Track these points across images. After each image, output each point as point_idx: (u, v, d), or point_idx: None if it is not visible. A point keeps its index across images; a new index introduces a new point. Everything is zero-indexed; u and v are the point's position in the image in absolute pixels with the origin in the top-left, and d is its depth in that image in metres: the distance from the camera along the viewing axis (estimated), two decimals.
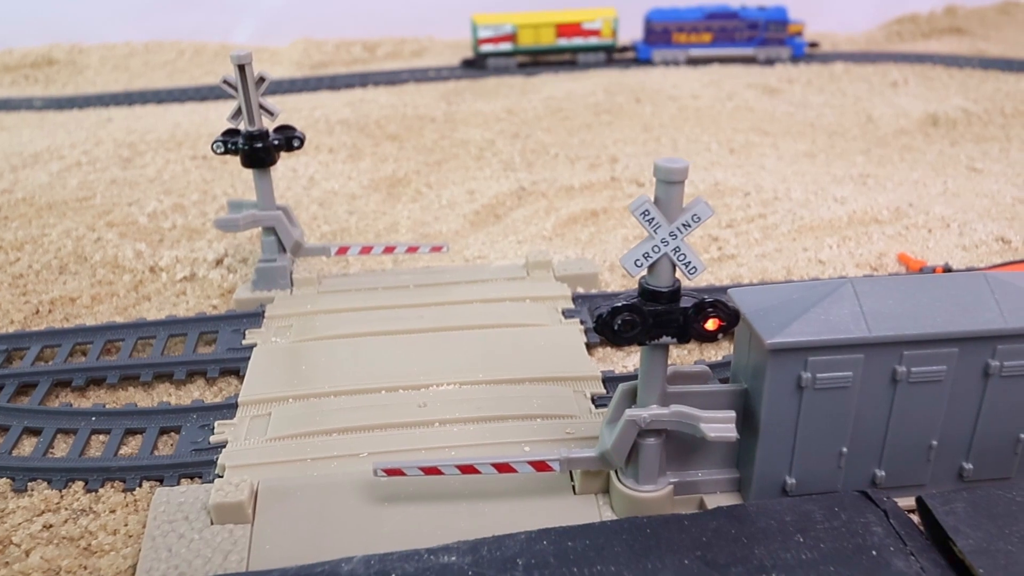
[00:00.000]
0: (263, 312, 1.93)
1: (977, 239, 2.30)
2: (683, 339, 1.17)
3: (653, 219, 1.10)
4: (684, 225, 1.11)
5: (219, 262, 2.24)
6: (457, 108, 3.71)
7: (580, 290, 2.04)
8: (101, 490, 1.44)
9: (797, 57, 4.49)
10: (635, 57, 4.54)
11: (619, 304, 1.15)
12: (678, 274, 1.15)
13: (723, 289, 1.97)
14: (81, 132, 3.44)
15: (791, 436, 1.25)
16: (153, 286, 2.16)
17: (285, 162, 3.03)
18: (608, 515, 1.30)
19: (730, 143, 3.22)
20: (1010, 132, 3.33)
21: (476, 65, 4.41)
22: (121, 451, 1.54)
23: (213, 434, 1.53)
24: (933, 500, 1.23)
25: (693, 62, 4.47)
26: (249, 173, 1.98)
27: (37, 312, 2.05)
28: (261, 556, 1.24)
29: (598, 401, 1.59)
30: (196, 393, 1.74)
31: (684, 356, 1.83)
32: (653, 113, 3.60)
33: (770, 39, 4.44)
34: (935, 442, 1.28)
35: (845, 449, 1.27)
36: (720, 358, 1.78)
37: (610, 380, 1.66)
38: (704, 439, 1.21)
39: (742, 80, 4.11)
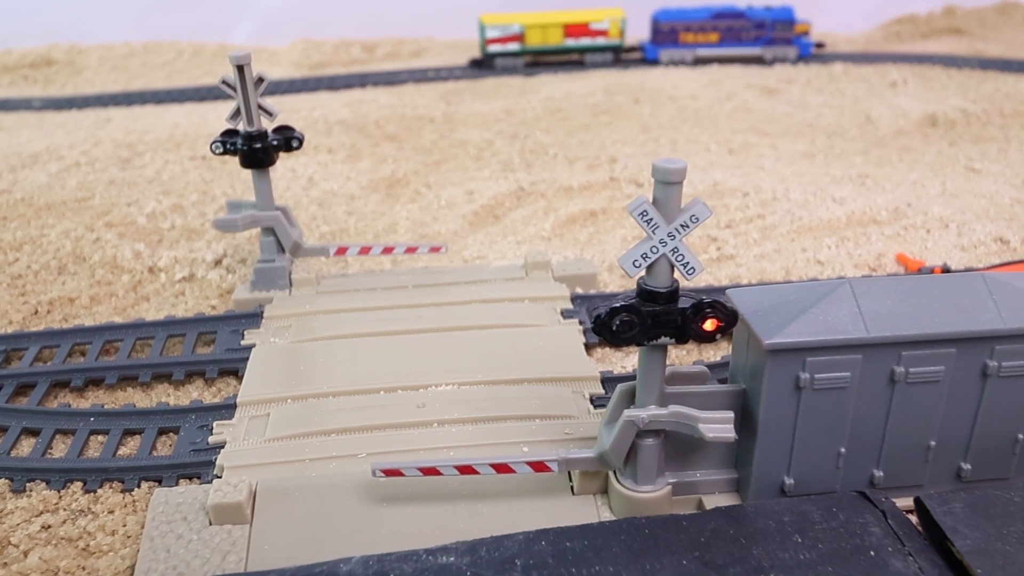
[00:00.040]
0: (262, 312, 1.93)
1: (975, 239, 2.30)
2: (681, 340, 1.17)
3: (651, 220, 1.10)
4: (682, 226, 1.11)
5: (218, 262, 2.24)
6: (456, 109, 3.71)
7: (579, 290, 2.04)
8: (100, 491, 1.44)
9: (804, 57, 4.50)
10: (642, 57, 4.54)
11: (617, 305, 1.15)
12: (676, 275, 1.16)
13: (722, 289, 1.97)
14: (80, 132, 3.44)
15: (789, 437, 1.25)
16: (152, 286, 2.16)
17: (284, 162, 3.03)
18: (606, 515, 1.30)
19: (729, 143, 3.22)
20: (1009, 132, 3.33)
21: (484, 65, 4.42)
22: (120, 452, 1.54)
23: (212, 435, 1.53)
24: (931, 500, 1.23)
25: (700, 62, 4.47)
26: (248, 173, 1.98)
27: (36, 312, 2.05)
28: (259, 557, 1.24)
29: (597, 401, 1.59)
30: (195, 393, 1.74)
31: (683, 356, 1.83)
32: (652, 113, 3.60)
33: (777, 39, 4.45)
34: (933, 442, 1.28)
35: (843, 449, 1.27)
36: (719, 359, 1.78)
37: (609, 380, 1.66)
38: (702, 439, 1.21)
39: (741, 80, 4.12)
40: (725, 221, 2.50)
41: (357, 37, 5.03)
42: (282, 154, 2.00)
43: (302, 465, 1.42)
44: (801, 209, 2.53)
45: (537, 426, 1.51)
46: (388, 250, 2.09)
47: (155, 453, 1.53)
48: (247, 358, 1.75)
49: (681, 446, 1.30)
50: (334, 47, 4.92)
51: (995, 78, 4.08)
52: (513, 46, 4.39)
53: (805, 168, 2.97)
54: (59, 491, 1.44)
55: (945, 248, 2.27)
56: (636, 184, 2.79)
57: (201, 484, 1.42)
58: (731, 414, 1.21)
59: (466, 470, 1.31)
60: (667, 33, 4.45)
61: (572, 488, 1.36)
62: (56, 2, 4.82)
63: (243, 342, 1.82)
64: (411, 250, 2.09)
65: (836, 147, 3.22)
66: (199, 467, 1.47)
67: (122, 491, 1.43)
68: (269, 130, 1.94)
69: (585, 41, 4.46)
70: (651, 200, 1.11)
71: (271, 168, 1.97)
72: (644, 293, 1.16)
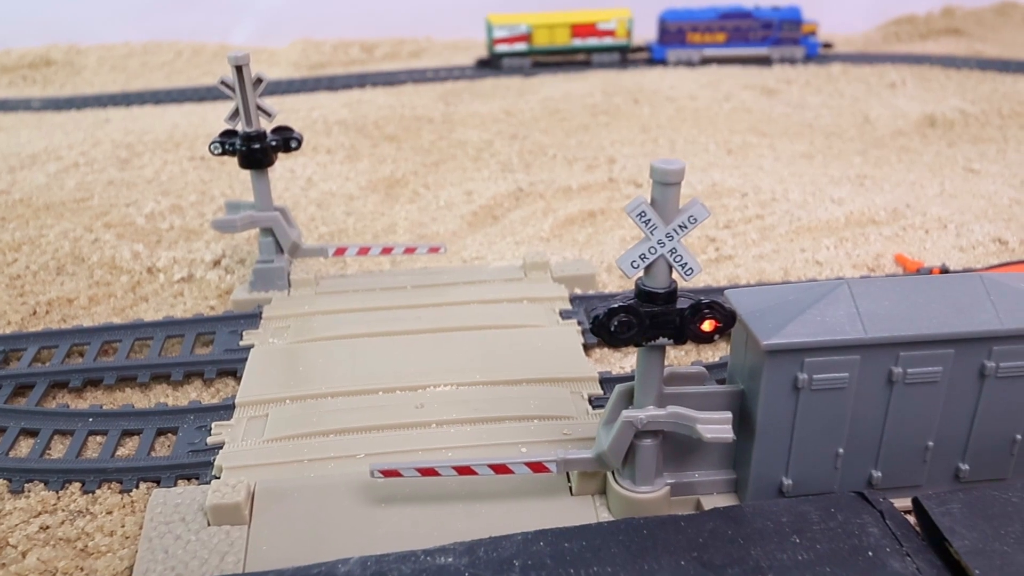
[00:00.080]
0: (260, 313, 1.93)
1: (974, 240, 2.30)
2: (679, 340, 1.17)
3: (649, 220, 1.10)
4: (680, 226, 1.11)
5: (217, 263, 2.24)
6: (455, 109, 3.71)
7: (578, 291, 2.04)
8: (98, 491, 1.44)
9: (811, 57, 4.50)
10: (649, 57, 4.54)
11: (615, 305, 1.15)
12: (675, 275, 1.16)
13: (720, 290, 1.97)
14: (79, 133, 3.44)
15: (787, 437, 1.25)
16: (151, 287, 2.16)
17: (283, 163, 3.03)
18: (605, 516, 1.30)
19: (728, 144, 3.22)
20: (1007, 133, 3.33)
21: (491, 65, 4.42)
22: (118, 452, 1.54)
23: (210, 435, 1.53)
24: (929, 501, 1.23)
25: (707, 62, 4.48)
26: (247, 174, 1.98)
27: (34, 313, 2.05)
28: (258, 557, 1.24)
29: (595, 402, 1.59)
30: (193, 394, 1.74)
31: (681, 357, 1.83)
32: (651, 114, 3.60)
33: (784, 39, 4.45)
34: (931, 443, 1.28)
35: (841, 450, 1.27)
36: (717, 359, 1.78)
37: (607, 381, 1.66)
38: (701, 440, 1.21)
39: (740, 81, 4.12)
40: (724, 221, 2.50)
41: (356, 37, 5.03)
42: (281, 154, 2.00)
43: (300, 466, 1.42)
44: (800, 209, 2.53)
45: (535, 427, 1.51)
46: (387, 251, 2.09)
47: (153, 454, 1.53)
48: (246, 359, 1.75)
49: (679, 447, 1.30)
50: (333, 47, 4.92)
51: (994, 79, 4.08)
52: (520, 46, 4.40)
53: (804, 168, 2.97)
54: (57, 492, 1.43)
55: (943, 249, 2.27)
56: (635, 185, 2.79)
57: (199, 485, 1.42)
58: (729, 415, 1.21)
59: (464, 471, 1.31)
60: (674, 33, 4.45)
61: (570, 489, 1.36)
62: (55, 2, 4.82)
63: (242, 343, 1.82)
64: (410, 251, 2.09)
65: (835, 147, 3.22)
66: (197, 468, 1.47)
67: (120, 492, 1.43)
68: (268, 131, 1.94)
69: (592, 41, 4.47)
70: (649, 201, 1.11)
71: (270, 169, 1.97)
72: (642, 294, 1.16)
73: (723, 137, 3.30)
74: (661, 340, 1.17)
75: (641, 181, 2.80)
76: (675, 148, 3.20)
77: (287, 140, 1.96)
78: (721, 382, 1.41)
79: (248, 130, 1.91)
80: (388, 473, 1.31)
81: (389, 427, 1.52)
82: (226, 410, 1.60)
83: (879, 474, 1.29)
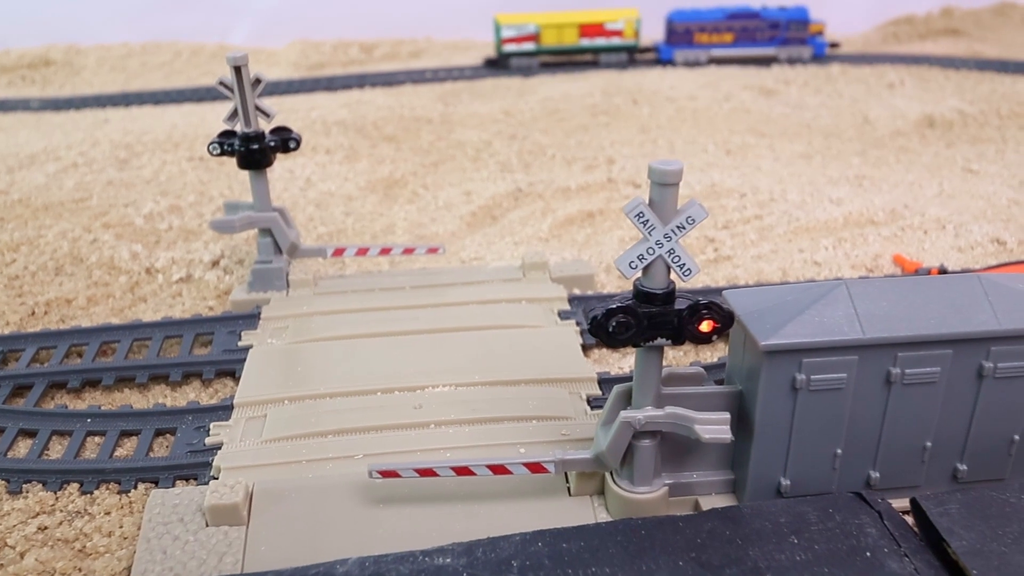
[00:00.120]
0: (259, 314, 1.93)
1: (972, 240, 2.30)
2: (678, 341, 1.17)
3: (648, 221, 1.10)
4: (679, 227, 1.11)
5: (215, 263, 2.24)
6: (454, 109, 3.71)
7: (576, 291, 2.04)
8: (96, 492, 1.44)
9: (818, 56, 4.51)
10: (657, 58, 4.54)
11: (613, 306, 1.15)
12: (673, 276, 1.16)
13: (719, 290, 1.97)
14: (78, 133, 3.44)
15: (786, 438, 1.25)
16: (149, 287, 2.16)
17: (282, 163, 3.03)
18: (603, 517, 1.30)
19: (727, 144, 3.22)
20: (1006, 133, 3.34)
21: (499, 65, 4.43)
22: (116, 453, 1.54)
23: (208, 436, 1.53)
24: (927, 501, 1.23)
25: (715, 62, 4.48)
26: (246, 174, 1.98)
27: (33, 314, 2.04)
28: (256, 558, 1.24)
29: (593, 403, 1.59)
30: (192, 395, 1.74)
31: (680, 358, 1.83)
32: (650, 114, 3.60)
33: (791, 39, 4.46)
34: (929, 443, 1.28)
35: (839, 451, 1.27)
36: (716, 360, 1.78)
37: (605, 381, 1.66)
38: (699, 441, 1.21)
39: (739, 81, 4.12)
40: (722, 222, 2.50)
41: (355, 38, 5.03)
42: (280, 155, 2.00)
43: (299, 466, 1.42)
44: (798, 210, 2.53)
45: (534, 427, 1.51)
46: (385, 251, 2.09)
47: (152, 454, 1.53)
48: (244, 359, 1.75)
49: (677, 447, 1.30)
50: (332, 48, 4.92)
51: (992, 79, 4.09)
52: (528, 46, 4.41)
53: (802, 169, 2.97)
54: (56, 492, 1.43)
55: (942, 249, 2.27)
56: (634, 185, 2.79)
57: (198, 485, 1.42)
58: (727, 415, 1.22)
59: (463, 471, 1.31)
60: (681, 34, 4.46)
61: (569, 489, 1.36)
62: (54, 2, 4.82)
63: (240, 343, 1.82)
64: (409, 251, 2.09)
65: (833, 148, 3.22)
66: (196, 468, 1.47)
67: (119, 492, 1.43)
68: (266, 131, 1.94)
69: (600, 41, 4.47)
70: (647, 201, 1.11)
71: (268, 169, 1.97)
72: (640, 294, 1.16)
73: (722, 137, 3.30)
74: (659, 341, 1.17)
75: (640, 182, 2.80)
76: (674, 148, 3.21)
77: (286, 140, 1.96)
78: (720, 383, 1.41)
79: (247, 130, 1.91)
80: (386, 474, 1.31)
81: (387, 428, 1.52)
82: (224, 411, 1.60)
83: (877, 475, 1.29)
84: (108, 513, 1.39)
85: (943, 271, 2.10)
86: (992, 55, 4.56)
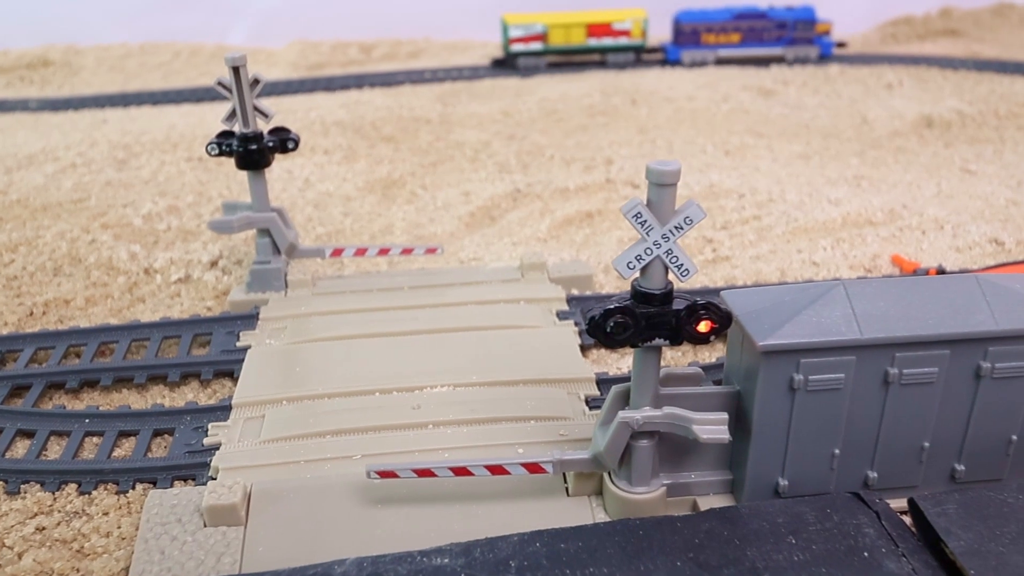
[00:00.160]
0: (257, 314, 1.93)
1: (971, 241, 2.31)
2: (675, 341, 1.17)
3: (645, 221, 1.10)
4: (676, 227, 1.11)
5: (214, 264, 2.24)
6: (453, 110, 3.71)
7: (575, 292, 2.04)
8: (94, 492, 1.44)
9: (825, 56, 4.51)
10: (664, 58, 4.55)
11: (611, 306, 1.15)
12: (671, 276, 1.16)
13: (717, 291, 1.97)
14: (76, 133, 3.44)
15: (783, 438, 1.25)
16: (147, 288, 2.16)
17: (280, 164, 3.03)
18: (601, 517, 1.30)
19: (725, 145, 3.23)
20: (1004, 134, 3.34)
21: (506, 65, 4.43)
22: (114, 453, 1.54)
23: (207, 436, 1.53)
24: (925, 501, 1.23)
25: (722, 62, 4.48)
26: (244, 175, 1.98)
27: (31, 314, 2.04)
28: (254, 558, 1.24)
29: (592, 403, 1.59)
30: (190, 395, 1.74)
31: (678, 358, 1.83)
32: (649, 115, 3.61)
33: (798, 39, 4.46)
34: (927, 444, 1.28)
35: (837, 451, 1.27)
36: (714, 360, 1.78)
37: (604, 382, 1.66)
38: (697, 441, 1.21)
39: (737, 82, 4.12)
40: (721, 222, 2.50)
41: (354, 38, 5.03)
42: (278, 155, 2.00)
43: (297, 467, 1.42)
44: (797, 210, 2.54)
45: (532, 427, 1.51)
46: (384, 251, 2.09)
47: (150, 455, 1.53)
48: (242, 360, 1.75)
49: (676, 447, 1.30)
50: (331, 48, 4.92)
51: (991, 79, 4.09)
52: (536, 45, 4.41)
53: (801, 169, 2.97)
54: (53, 493, 1.43)
55: (940, 249, 2.28)
56: (632, 186, 2.79)
57: (196, 486, 1.42)
58: (725, 416, 1.22)
59: (461, 472, 1.31)
60: (689, 34, 4.46)
61: (567, 490, 1.36)
62: (53, 3, 4.82)
63: (238, 344, 1.82)
64: (407, 251, 2.09)
65: (832, 148, 3.22)
66: (194, 469, 1.47)
67: (117, 493, 1.43)
68: (265, 131, 1.94)
69: (607, 41, 4.48)
70: (645, 202, 1.11)
71: (267, 169, 1.97)
72: (638, 295, 1.16)
73: (721, 138, 3.30)
74: (657, 341, 1.17)
75: (638, 182, 2.80)
76: (673, 149, 3.21)
77: (284, 141, 1.96)
78: (718, 383, 1.41)
79: (245, 131, 1.91)
80: (384, 474, 1.31)
81: (386, 428, 1.52)
82: (223, 411, 1.60)
83: (875, 475, 1.30)
84: (106, 513, 1.39)
85: (941, 271, 2.10)
86: (990, 55, 4.56)
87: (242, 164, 1.93)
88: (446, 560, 1.15)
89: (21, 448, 1.57)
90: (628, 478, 1.28)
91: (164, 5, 4.99)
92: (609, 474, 1.31)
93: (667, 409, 1.22)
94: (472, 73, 4.37)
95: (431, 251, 2.10)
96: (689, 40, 4.48)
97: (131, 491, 1.43)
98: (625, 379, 1.60)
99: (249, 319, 1.92)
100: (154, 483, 1.45)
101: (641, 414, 1.22)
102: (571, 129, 3.44)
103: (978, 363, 1.23)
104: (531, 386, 1.63)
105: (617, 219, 2.54)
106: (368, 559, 1.15)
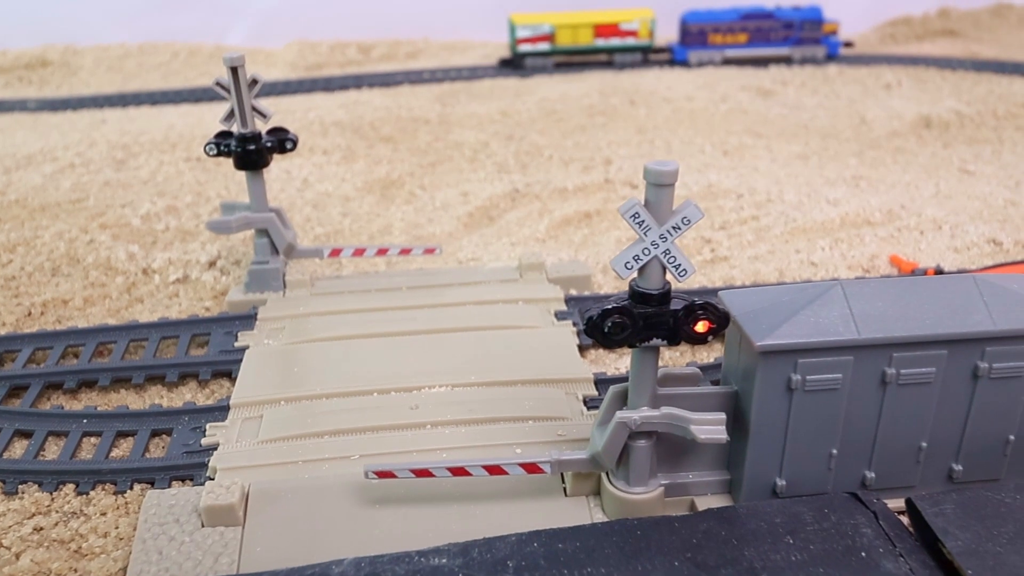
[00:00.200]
0: (255, 314, 1.93)
1: (969, 241, 2.31)
2: (673, 341, 1.17)
3: (643, 222, 1.10)
4: (674, 228, 1.11)
5: (212, 264, 2.24)
6: (451, 110, 3.71)
7: (573, 292, 2.04)
8: (92, 492, 1.44)
9: (832, 56, 4.51)
10: (671, 58, 4.55)
11: (609, 306, 1.15)
12: (668, 276, 1.16)
13: (715, 291, 1.97)
14: (75, 134, 3.44)
15: (781, 438, 1.25)
16: (146, 288, 2.16)
17: (279, 164, 3.03)
18: (599, 517, 1.30)
19: (724, 145, 3.23)
20: (1002, 134, 3.34)
21: (513, 65, 4.44)
22: (112, 453, 1.54)
23: (204, 436, 1.53)
24: (922, 502, 1.24)
25: (729, 63, 4.48)
26: (243, 175, 1.98)
27: (29, 314, 2.04)
28: (252, 558, 1.24)
29: (590, 403, 1.59)
30: (188, 395, 1.73)
31: (677, 358, 1.83)
32: (647, 115, 3.61)
33: (805, 39, 4.46)
34: (925, 444, 1.28)
35: (835, 451, 1.27)
36: (712, 360, 1.78)
37: (602, 382, 1.66)
38: (695, 441, 1.21)
39: (736, 82, 4.12)
40: (719, 223, 2.50)
41: (353, 38, 5.03)
42: (277, 155, 2.00)
43: (295, 467, 1.42)
44: (795, 211, 2.54)
45: (530, 428, 1.51)
46: (382, 252, 2.09)
47: (148, 455, 1.53)
48: (240, 360, 1.75)
49: (673, 448, 1.30)
50: (330, 48, 4.92)
51: (989, 80, 4.09)
52: (543, 46, 4.41)
53: (799, 170, 2.97)
54: (51, 493, 1.43)
55: (938, 250, 2.28)
56: (631, 186, 2.79)
57: (194, 486, 1.42)
58: (723, 416, 1.22)
59: (459, 472, 1.31)
60: (696, 34, 4.46)
61: (565, 490, 1.36)
62: (51, 3, 4.81)
63: (237, 344, 1.82)
64: (405, 252, 2.09)
65: (830, 149, 3.22)
66: (192, 469, 1.46)
67: (114, 493, 1.43)
68: (263, 132, 1.94)
69: (615, 41, 4.48)
70: (643, 202, 1.11)
71: (265, 169, 1.97)
72: (636, 295, 1.16)
73: (719, 138, 3.30)
74: (655, 341, 1.17)
75: (637, 182, 2.80)
76: (671, 149, 3.21)
77: (282, 141, 1.96)
78: (716, 383, 1.41)
79: (243, 131, 1.91)
80: (382, 474, 1.31)
81: (384, 428, 1.52)
82: (221, 411, 1.60)
83: (872, 475, 1.30)
84: (104, 514, 1.39)
85: (939, 272, 2.10)
86: (989, 56, 4.56)
87: (240, 164, 1.93)
88: (444, 560, 1.15)
89: (19, 448, 1.57)
90: (626, 478, 1.28)
91: (163, 5, 4.99)
92: (607, 474, 1.31)
93: (665, 409, 1.22)
94: (471, 73, 4.37)
95: (429, 251, 2.10)
96: (696, 40, 4.48)
97: (129, 491, 1.43)
98: (623, 379, 1.60)
99: (247, 319, 1.92)
100: (152, 483, 1.45)
101: (639, 414, 1.22)
102: (570, 129, 3.44)
103: (975, 363, 1.23)
104: (529, 386, 1.63)
105: (615, 219, 2.54)
106: (366, 559, 1.15)
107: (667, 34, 4.75)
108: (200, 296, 2.11)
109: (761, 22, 4.46)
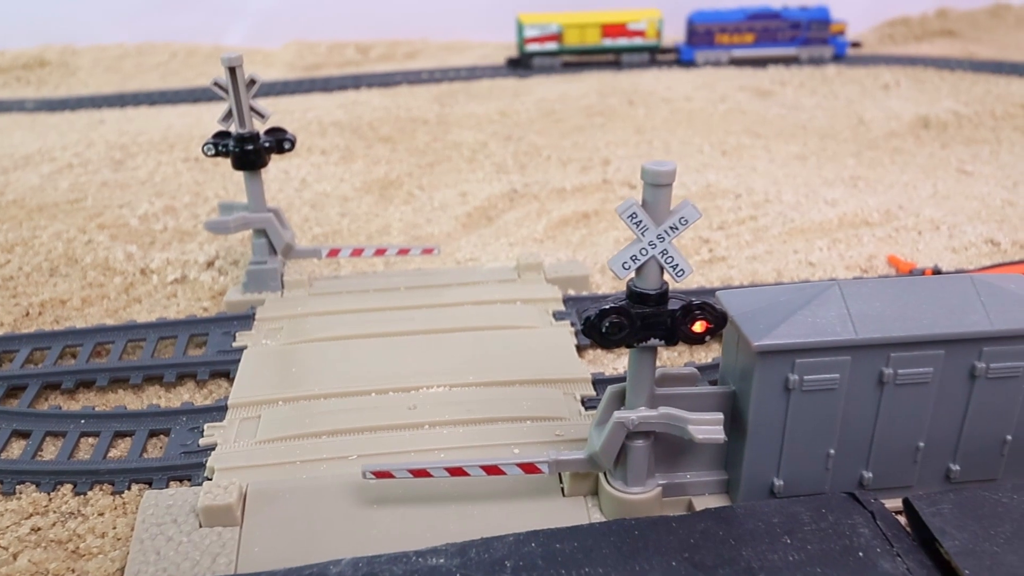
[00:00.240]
0: (253, 314, 1.93)
1: (966, 241, 2.31)
2: (671, 341, 1.17)
3: (641, 222, 1.11)
4: (672, 228, 1.11)
5: (210, 264, 2.24)
6: (450, 110, 3.71)
7: (571, 292, 2.04)
8: (90, 493, 1.44)
9: (839, 56, 4.51)
10: (678, 59, 4.55)
11: (607, 306, 1.15)
12: (666, 276, 1.16)
13: (713, 291, 1.97)
14: (73, 134, 3.44)
15: (779, 438, 1.25)
16: (144, 288, 2.16)
17: (277, 164, 3.03)
18: (597, 517, 1.30)
19: (722, 145, 3.23)
20: (1000, 135, 3.34)
21: (521, 64, 4.44)
22: (110, 454, 1.54)
23: (202, 436, 1.53)
24: (920, 501, 1.24)
25: (736, 63, 4.49)
26: (241, 175, 1.98)
27: (27, 314, 2.04)
28: (249, 559, 1.24)
29: (588, 403, 1.59)
30: (186, 395, 1.73)
31: (675, 358, 1.83)
32: (646, 115, 3.61)
33: (812, 39, 4.46)
34: (922, 444, 1.29)
35: (832, 451, 1.27)
36: (710, 360, 1.78)
37: (600, 382, 1.66)
38: (692, 441, 1.21)
39: (734, 82, 4.13)
40: (717, 223, 2.50)
41: (351, 39, 5.02)
42: (275, 156, 2.00)
43: (293, 467, 1.42)
44: (793, 211, 2.54)
45: (528, 428, 1.51)
46: (380, 252, 2.09)
47: (146, 455, 1.53)
48: (238, 360, 1.75)
49: (671, 448, 1.30)
50: (328, 48, 4.92)
51: (987, 80, 4.09)
52: (551, 45, 4.42)
53: (797, 170, 2.98)
54: (49, 493, 1.43)
55: (936, 250, 2.28)
56: (629, 186, 2.79)
57: (191, 486, 1.42)
58: (720, 416, 1.22)
59: (456, 472, 1.31)
60: (702, 35, 4.46)
61: (562, 490, 1.36)
62: (49, 3, 4.81)
63: (235, 344, 1.82)
64: (403, 252, 2.09)
65: (828, 149, 3.23)
66: (189, 469, 1.46)
67: (112, 493, 1.43)
68: (261, 132, 1.94)
69: (622, 41, 4.48)
70: (640, 202, 1.11)
71: (264, 170, 1.97)
72: (634, 295, 1.16)
73: (718, 138, 3.30)
74: (652, 341, 1.17)
75: (635, 183, 2.80)
76: (670, 149, 3.21)
77: (280, 141, 1.96)
78: (713, 383, 1.41)
79: (241, 131, 1.91)
80: (380, 474, 1.31)
81: (382, 428, 1.52)
82: (219, 411, 1.60)
83: (870, 475, 1.30)
84: (101, 514, 1.39)
85: (937, 272, 2.11)
86: (987, 56, 4.57)
87: (238, 164, 1.93)
88: (442, 560, 1.15)
89: (17, 449, 1.57)
90: (624, 478, 1.28)
91: (161, 5, 4.99)
92: (605, 474, 1.31)
93: (663, 409, 1.22)
94: (469, 73, 4.37)
95: (428, 251, 2.10)
96: (703, 41, 4.48)
97: (127, 491, 1.43)
98: (621, 379, 1.59)
99: (245, 319, 1.92)
100: (150, 483, 1.45)
101: (637, 414, 1.22)
102: (568, 130, 3.44)
103: (973, 363, 1.24)
104: (527, 386, 1.63)
105: (614, 219, 2.54)
106: (364, 559, 1.15)
107: (674, 34, 4.75)
108: (198, 296, 2.11)
109: (768, 22, 4.46)
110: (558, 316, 1.90)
